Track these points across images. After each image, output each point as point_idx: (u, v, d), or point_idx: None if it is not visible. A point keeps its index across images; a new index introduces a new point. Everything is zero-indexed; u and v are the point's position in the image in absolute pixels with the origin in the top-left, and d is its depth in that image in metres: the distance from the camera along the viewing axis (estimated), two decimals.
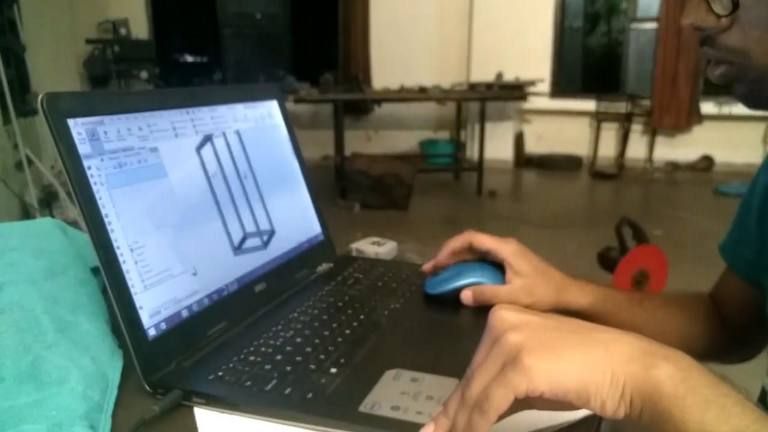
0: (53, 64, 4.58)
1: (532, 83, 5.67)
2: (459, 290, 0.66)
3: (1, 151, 3.28)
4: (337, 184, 5.01)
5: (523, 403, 0.36)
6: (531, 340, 0.35)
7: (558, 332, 0.37)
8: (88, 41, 5.30)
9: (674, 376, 0.33)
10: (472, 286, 0.66)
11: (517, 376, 0.34)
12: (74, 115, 0.50)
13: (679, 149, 6.03)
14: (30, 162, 3.27)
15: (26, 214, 3.35)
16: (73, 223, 0.71)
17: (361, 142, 6.26)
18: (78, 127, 0.50)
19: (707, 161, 5.89)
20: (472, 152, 6.06)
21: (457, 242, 0.68)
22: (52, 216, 3.35)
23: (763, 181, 0.63)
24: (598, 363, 0.34)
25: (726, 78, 0.51)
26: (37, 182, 3.45)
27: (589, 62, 7.23)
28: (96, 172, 0.51)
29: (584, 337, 0.36)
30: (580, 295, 0.68)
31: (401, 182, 4.53)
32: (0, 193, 3.14)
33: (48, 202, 3.56)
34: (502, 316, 0.38)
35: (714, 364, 0.72)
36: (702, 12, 0.49)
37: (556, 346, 0.35)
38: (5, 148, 3.34)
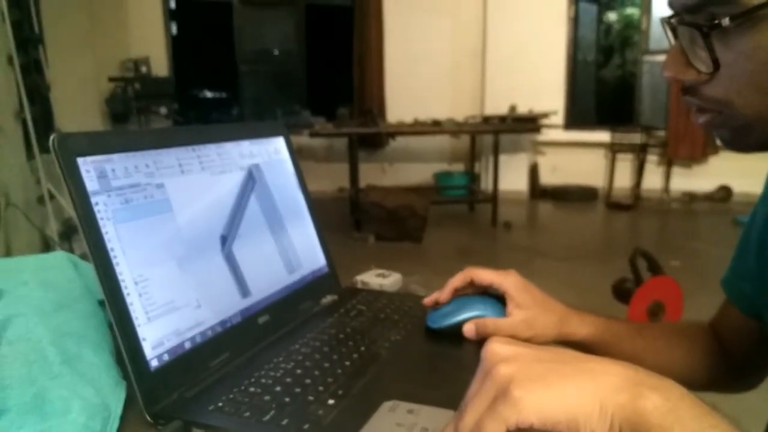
0: (76, 102, 4.73)
1: (546, 115, 5.70)
2: (461, 324, 0.66)
3: (24, 185, 3.37)
4: (351, 216, 5.04)
5: None
6: (521, 372, 0.36)
7: (548, 363, 0.37)
8: (111, 79, 5.47)
9: (661, 407, 0.33)
10: (474, 319, 0.66)
11: (507, 409, 0.35)
12: (84, 154, 0.52)
13: (695, 179, 5.98)
14: (52, 196, 3.35)
15: (47, 247, 3.42)
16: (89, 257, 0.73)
17: (376, 174, 6.32)
18: (87, 165, 0.52)
19: (725, 191, 5.83)
20: (486, 184, 6.08)
21: (458, 280, 0.69)
22: (72, 249, 3.42)
23: (762, 214, 0.63)
24: (587, 393, 0.35)
25: (710, 125, 0.51)
26: (58, 216, 3.53)
27: (602, 94, 7.28)
28: (103, 207, 0.53)
29: (574, 368, 0.37)
30: (581, 326, 0.68)
31: (415, 214, 4.54)
32: (22, 227, 3.21)
33: (68, 236, 3.63)
34: (494, 349, 0.38)
35: (716, 394, 0.71)
36: (682, 65, 0.49)
37: (545, 378, 0.36)
38: (28, 183, 3.43)
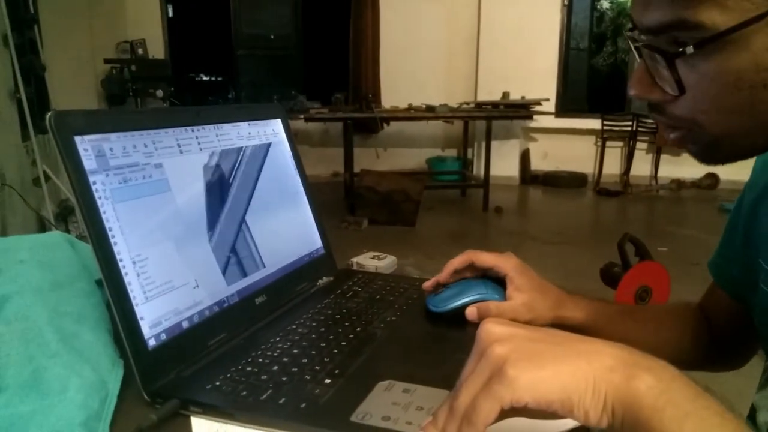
0: (72, 83, 4.67)
1: (538, 102, 5.70)
2: (463, 307, 0.67)
3: (19, 167, 3.34)
4: (346, 200, 5.05)
5: (513, 411, 0.36)
6: (516, 352, 0.36)
7: (542, 344, 0.38)
8: (106, 61, 5.41)
9: (654, 388, 0.34)
10: (476, 302, 0.67)
11: (501, 388, 0.35)
12: (81, 133, 0.52)
13: (683, 167, 6.02)
14: (47, 178, 3.32)
15: (43, 228, 3.40)
16: (86, 237, 0.73)
17: (370, 159, 6.31)
18: (84, 144, 0.52)
19: (712, 179, 5.89)
20: (478, 169, 6.08)
21: (458, 261, 0.69)
22: (68, 230, 3.40)
23: (748, 200, 0.64)
24: (580, 373, 0.35)
25: (680, 141, 0.51)
26: (54, 197, 3.50)
27: (594, 82, 7.27)
28: (101, 186, 0.53)
29: (568, 349, 0.37)
30: (576, 309, 0.69)
31: (409, 198, 4.55)
32: (18, 208, 3.19)
33: (64, 217, 3.60)
34: (489, 329, 0.39)
35: (705, 372, 0.72)
36: (648, 85, 0.48)
37: (539, 358, 0.36)
38: (24, 165, 3.40)
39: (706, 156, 0.51)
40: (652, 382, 0.34)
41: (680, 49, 0.44)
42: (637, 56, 0.49)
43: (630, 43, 0.50)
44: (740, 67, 0.42)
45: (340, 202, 5.11)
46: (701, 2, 0.41)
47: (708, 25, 0.42)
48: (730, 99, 0.44)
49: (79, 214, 0.51)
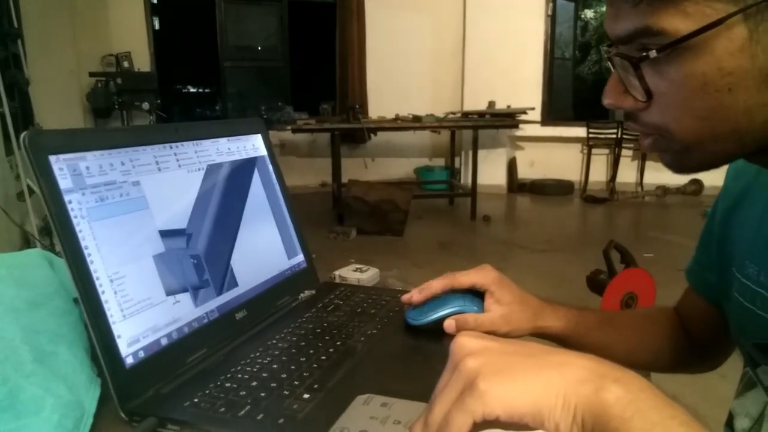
0: (57, 97, 4.65)
1: (524, 111, 5.76)
2: (441, 320, 0.67)
3: (3, 181, 3.31)
4: (334, 210, 5.05)
5: (487, 424, 0.37)
6: (487, 365, 0.37)
7: (514, 357, 0.38)
8: (92, 74, 5.39)
9: (622, 399, 0.34)
10: (454, 315, 0.67)
11: (473, 401, 0.35)
12: (56, 152, 0.52)
13: (668, 174, 5.91)
14: (31, 192, 3.30)
15: (27, 242, 3.37)
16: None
17: (358, 169, 6.33)
18: (59, 162, 0.52)
19: (696, 185, 5.96)
20: (466, 178, 6.12)
21: (437, 287, 0.68)
22: (52, 244, 3.36)
23: (722, 209, 0.66)
24: (551, 386, 0.36)
25: (655, 148, 0.52)
26: (38, 212, 3.47)
27: (579, 90, 7.35)
28: (77, 206, 0.52)
29: (539, 361, 0.38)
30: (554, 319, 0.70)
31: (397, 208, 4.56)
32: (1, 223, 3.16)
33: (48, 231, 3.57)
34: (462, 343, 0.39)
35: (681, 384, 0.73)
36: (620, 94, 0.50)
37: (511, 371, 0.37)
38: (7, 179, 3.37)
39: (678, 164, 0.51)
40: (620, 393, 0.35)
41: (644, 54, 0.45)
42: (611, 67, 0.50)
43: (605, 55, 0.51)
44: (705, 71, 0.44)
45: (329, 212, 5.12)
46: (664, 9, 0.43)
47: (670, 31, 0.43)
48: (698, 104, 0.45)
49: (55, 233, 0.51)
